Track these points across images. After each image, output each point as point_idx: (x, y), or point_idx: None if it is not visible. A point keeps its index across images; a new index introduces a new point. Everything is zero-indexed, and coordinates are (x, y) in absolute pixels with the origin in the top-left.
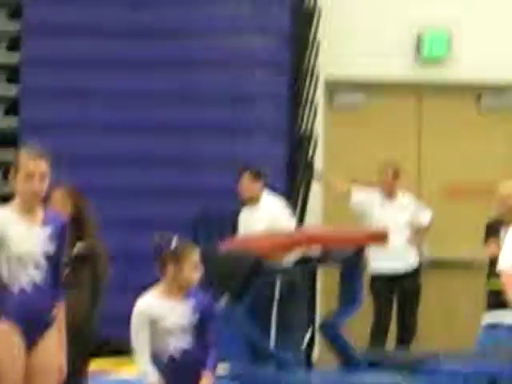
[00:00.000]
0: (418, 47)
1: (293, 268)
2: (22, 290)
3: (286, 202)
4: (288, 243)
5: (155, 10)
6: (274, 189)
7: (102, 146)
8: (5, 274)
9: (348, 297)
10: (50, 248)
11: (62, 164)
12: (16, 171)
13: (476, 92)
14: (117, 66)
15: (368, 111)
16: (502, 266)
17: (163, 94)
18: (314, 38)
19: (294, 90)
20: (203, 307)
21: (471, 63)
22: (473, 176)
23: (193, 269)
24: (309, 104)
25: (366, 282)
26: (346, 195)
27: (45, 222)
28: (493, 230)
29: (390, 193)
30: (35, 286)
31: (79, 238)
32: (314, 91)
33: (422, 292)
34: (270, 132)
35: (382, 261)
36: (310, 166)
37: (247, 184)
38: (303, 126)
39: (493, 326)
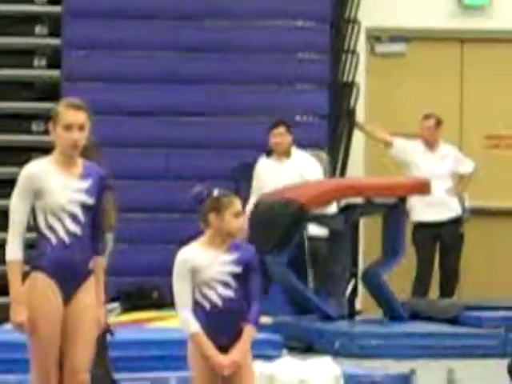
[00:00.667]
0: None
1: (336, 217)
2: (60, 242)
3: (329, 150)
4: (331, 192)
5: None
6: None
7: (141, 99)
8: (42, 225)
9: (391, 246)
10: (89, 201)
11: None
12: (55, 123)
13: None
14: (160, 18)
15: (410, 60)
16: None
17: (204, 45)
18: None
19: (336, 40)
20: (246, 260)
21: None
22: None
23: (234, 217)
24: (350, 53)
25: (408, 231)
26: (388, 144)
27: (83, 175)
28: None
29: (431, 143)
30: (73, 238)
31: None
32: (356, 40)
33: (465, 241)
34: (312, 81)
35: (425, 210)
36: (351, 115)
37: (282, 136)
38: (345, 76)
39: None
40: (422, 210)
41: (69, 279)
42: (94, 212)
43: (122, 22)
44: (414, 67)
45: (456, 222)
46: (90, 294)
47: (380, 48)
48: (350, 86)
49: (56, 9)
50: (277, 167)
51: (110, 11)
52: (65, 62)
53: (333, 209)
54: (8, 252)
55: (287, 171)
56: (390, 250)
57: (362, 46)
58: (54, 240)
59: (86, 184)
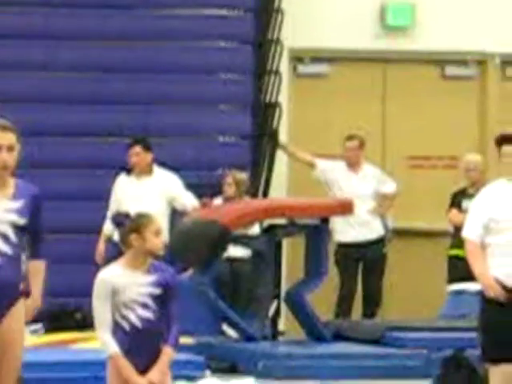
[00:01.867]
0: (382, 16)
1: (258, 237)
2: None
3: (252, 171)
4: (254, 213)
5: None
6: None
7: (49, 119)
8: None
9: (313, 267)
10: (20, 221)
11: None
12: None
13: (440, 61)
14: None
15: (333, 81)
16: (465, 233)
17: (127, 65)
18: (279, 8)
19: (259, 60)
20: (166, 281)
21: (435, 33)
22: (437, 145)
23: (155, 236)
24: (273, 74)
25: (331, 252)
26: (311, 165)
27: (16, 195)
28: (456, 201)
29: (354, 163)
30: (3, 258)
31: None
32: (279, 61)
33: (387, 261)
34: (235, 102)
35: (347, 230)
36: (274, 136)
37: (138, 156)
38: (268, 96)
39: (458, 293)
40: (344, 230)
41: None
42: (26, 231)
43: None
44: (337, 88)
45: (379, 243)
46: (19, 319)
47: (303, 69)
48: (273, 106)
49: None
50: (136, 185)
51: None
52: None
53: (255, 229)
54: None
55: (147, 189)
56: (313, 270)
57: (285, 66)
58: None
59: (17, 204)
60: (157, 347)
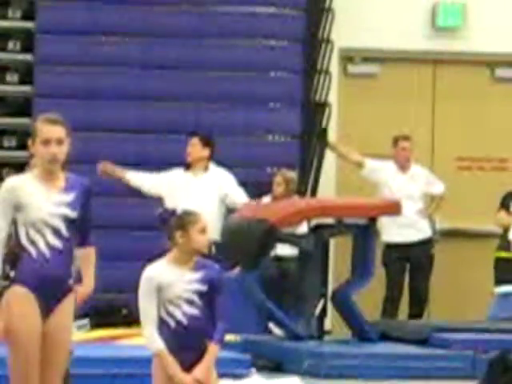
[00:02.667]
0: (433, 17)
1: (306, 237)
2: (41, 256)
3: (301, 170)
4: (302, 212)
5: None
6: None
7: (114, 115)
8: (23, 239)
9: (360, 267)
10: (71, 214)
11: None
12: (34, 139)
13: (490, 63)
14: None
15: (382, 81)
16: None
17: (175, 63)
18: (330, 7)
19: (310, 60)
20: (212, 278)
21: (485, 34)
22: (486, 147)
23: (200, 233)
24: (323, 73)
25: (379, 252)
26: (360, 165)
27: (66, 188)
28: (506, 202)
29: (403, 164)
30: (54, 252)
31: None
32: (329, 61)
33: (435, 262)
34: (285, 101)
35: (395, 231)
36: (324, 135)
37: (193, 147)
38: (318, 95)
39: (505, 295)
40: (392, 230)
41: (48, 294)
42: (78, 224)
43: (95, 40)
44: (387, 88)
45: (426, 243)
46: (68, 313)
47: (353, 69)
48: (322, 105)
49: (29, 24)
50: (192, 180)
51: (82, 28)
52: (37, 77)
53: (303, 229)
54: None
55: (202, 185)
56: (360, 270)
57: (334, 66)
58: (34, 254)
59: (68, 197)
60: (202, 344)
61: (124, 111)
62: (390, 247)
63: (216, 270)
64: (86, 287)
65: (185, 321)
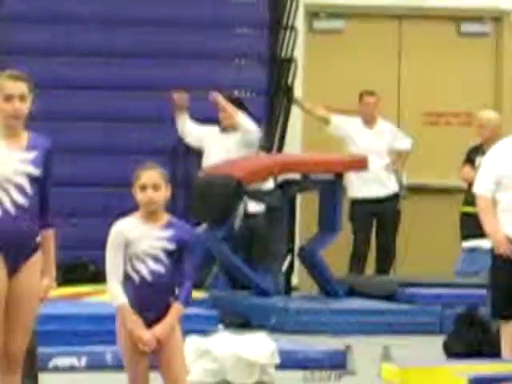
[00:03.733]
0: None
1: (273, 193)
2: (6, 214)
3: (267, 126)
4: (268, 168)
5: None
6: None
7: (77, 73)
8: None
9: (327, 223)
10: (35, 172)
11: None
12: None
13: (455, 18)
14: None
15: (348, 37)
16: (476, 189)
17: (142, 19)
18: None
19: (275, 16)
20: (182, 238)
21: None
22: (452, 102)
23: (140, 190)
24: (289, 29)
25: (345, 208)
26: (326, 121)
27: (29, 147)
28: (470, 157)
29: (369, 119)
30: (19, 210)
31: None
32: (295, 16)
33: (402, 218)
34: (251, 57)
35: (361, 187)
36: (290, 91)
37: (230, 110)
38: (283, 52)
39: (471, 250)
40: (358, 186)
41: (15, 252)
42: (41, 183)
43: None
44: (353, 44)
45: (393, 199)
46: (36, 271)
47: (318, 24)
48: (288, 61)
49: None
50: (225, 139)
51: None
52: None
53: (270, 185)
54: None
55: (234, 143)
56: (327, 226)
57: (300, 22)
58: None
59: (31, 155)
60: (167, 303)
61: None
62: (357, 203)
63: (187, 230)
64: (49, 280)
65: (149, 277)
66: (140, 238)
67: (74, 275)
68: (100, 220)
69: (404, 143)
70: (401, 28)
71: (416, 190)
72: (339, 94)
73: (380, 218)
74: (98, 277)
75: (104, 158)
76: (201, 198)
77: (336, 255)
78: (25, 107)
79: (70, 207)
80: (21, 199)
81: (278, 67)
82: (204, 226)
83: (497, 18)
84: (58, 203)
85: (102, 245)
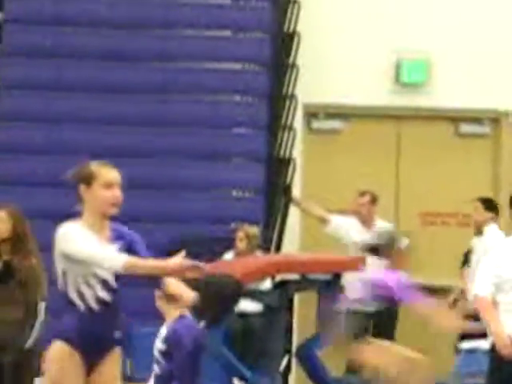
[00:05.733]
0: (397, 73)
1: (271, 292)
2: (88, 310)
3: (265, 225)
4: (266, 267)
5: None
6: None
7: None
8: (71, 292)
9: (325, 323)
10: None
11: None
12: (89, 183)
13: (454, 118)
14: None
15: (347, 137)
16: (476, 290)
17: (139, 118)
18: (294, 63)
19: (274, 115)
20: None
21: (449, 90)
22: (450, 203)
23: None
24: (288, 129)
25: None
26: (324, 221)
27: (113, 238)
28: (468, 259)
29: (367, 219)
30: (102, 306)
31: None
32: (293, 116)
33: (399, 317)
34: (249, 156)
35: (359, 286)
36: (288, 191)
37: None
38: (282, 151)
39: (469, 351)
40: (357, 286)
41: (94, 350)
42: (122, 278)
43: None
44: (352, 144)
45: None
46: (114, 367)
47: (317, 124)
48: (286, 161)
49: None
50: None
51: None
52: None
53: (267, 284)
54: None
55: None
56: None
57: (299, 121)
58: (82, 308)
59: (117, 246)
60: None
61: (92, 103)
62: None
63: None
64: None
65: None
66: None
67: None
68: None
69: (401, 242)
70: (399, 128)
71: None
72: (338, 194)
73: (377, 319)
74: None
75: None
76: (200, 296)
77: (334, 355)
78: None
79: None
80: (103, 294)
81: (277, 167)
82: (202, 323)
83: (495, 119)
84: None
85: None
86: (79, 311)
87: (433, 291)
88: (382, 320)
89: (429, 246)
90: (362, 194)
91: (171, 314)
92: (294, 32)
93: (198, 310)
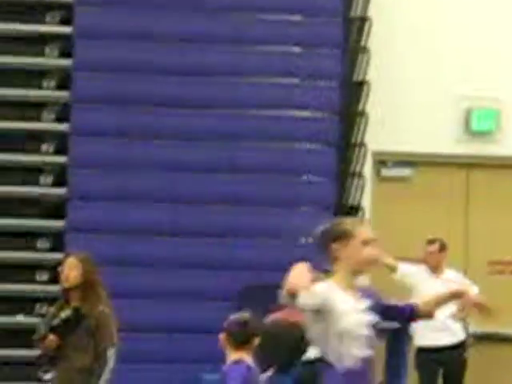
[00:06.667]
0: (467, 122)
1: None
2: (352, 370)
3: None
4: None
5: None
6: None
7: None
8: (334, 351)
9: (394, 370)
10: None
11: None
12: (345, 239)
13: None
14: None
15: (416, 184)
16: None
17: (210, 168)
18: (363, 111)
19: (343, 163)
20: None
21: None
22: None
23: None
24: (357, 177)
25: (411, 356)
26: (393, 269)
27: (360, 296)
28: None
29: (436, 267)
30: (364, 364)
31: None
32: (363, 164)
33: (468, 367)
34: (318, 204)
35: (428, 335)
36: None
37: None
38: (351, 199)
39: None
40: (425, 334)
41: None
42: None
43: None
44: (420, 191)
45: (459, 347)
46: None
47: (386, 172)
48: (356, 209)
49: (66, 62)
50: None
51: (119, 65)
52: (74, 115)
53: None
54: None
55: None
56: (393, 373)
57: (368, 169)
58: (344, 367)
59: (365, 305)
60: None
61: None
62: (423, 351)
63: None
64: None
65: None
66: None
67: None
68: (164, 366)
69: (471, 291)
70: (468, 176)
71: (482, 338)
72: (406, 242)
73: (446, 367)
74: None
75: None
76: (268, 344)
77: None
78: None
79: (134, 352)
80: (365, 352)
81: (346, 215)
82: (270, 372)
83: None
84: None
85: None
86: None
87: (503, 340)
88: (452, 363)
89: (497, 295)
90: (431, 241)
91: (230, 356)
92: (364, 80)
93: (267, 357)
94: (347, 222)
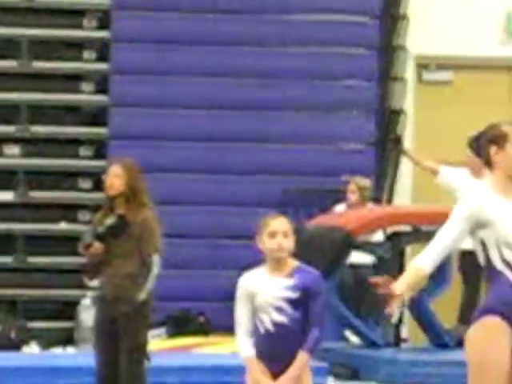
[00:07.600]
0: (507, 24)
1: (383, 244)
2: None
3: (376, 178)
4: (378, 220)
5: None
6: None
7: (188, 124)
8: (496, 261)
9: (437, 274)
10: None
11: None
12: (502, 144)
13: None
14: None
15: (457, 88)
16: None
17: (250, 70)
18: (404, 14)
19: (385, 67)
20: (306, 285)
21: None
22: None
23: (269, 238)
24: (399, 81)
25: (455, 259)
26: (434, 171)
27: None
28: None
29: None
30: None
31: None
32: (404, 68)
33: None
34: (361, 109)
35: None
36: (399, 142)
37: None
38: (393, 103)
39: None
40: (468, 238)
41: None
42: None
43: (171, 49)
44: (462, 95)
45: None
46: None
47: (428, 75)
48: (397, 113)
49: (104, 34)
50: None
51: (158, 37)
52: (112, 87)
53: (379, 236)
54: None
55: None
56: (437, 277)
57: (409, 73)
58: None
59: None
60: (292, 352)
61: (197, 119)
62: (466, 254)
63: (312, 278)
64: None
65: (272, 328)
66: (264, 290)
67: (183, 327)
68: (208, 272)
69: None
70: (510, 78)
71: None
72: (448, 146)
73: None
74: (208, 328)
75: (212, 210)
76: (309, 248)
77: (446, 306)
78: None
79: (180, 259)
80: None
81: (388, 118)
82: None
83: None
84: (167, 255)
85: (211, 297)
86: (509, 281)
87: None
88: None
89: None
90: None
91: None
92: None
93: (307, 262)
94: (505, 125)
